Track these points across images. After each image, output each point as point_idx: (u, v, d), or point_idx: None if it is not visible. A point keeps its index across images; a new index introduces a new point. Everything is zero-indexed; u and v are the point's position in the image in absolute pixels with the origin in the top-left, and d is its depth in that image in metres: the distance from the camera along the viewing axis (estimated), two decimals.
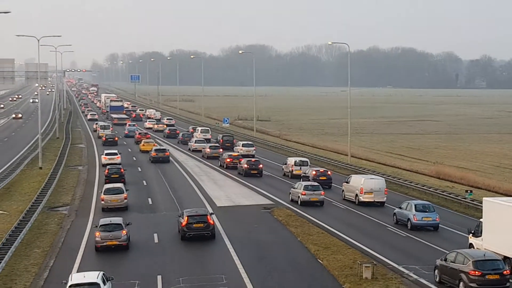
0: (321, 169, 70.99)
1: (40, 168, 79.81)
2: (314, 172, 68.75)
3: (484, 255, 35.60)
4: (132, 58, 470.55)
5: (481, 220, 41.90)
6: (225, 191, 65.94)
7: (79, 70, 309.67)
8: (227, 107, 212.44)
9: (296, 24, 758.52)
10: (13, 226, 48.07)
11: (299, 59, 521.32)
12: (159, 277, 37.16)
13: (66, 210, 57.28)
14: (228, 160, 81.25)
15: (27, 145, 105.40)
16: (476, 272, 34.10)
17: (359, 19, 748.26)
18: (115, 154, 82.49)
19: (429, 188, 66.16)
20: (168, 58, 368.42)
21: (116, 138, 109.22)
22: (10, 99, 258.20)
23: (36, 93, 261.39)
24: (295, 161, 75.51)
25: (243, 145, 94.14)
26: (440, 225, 50.21)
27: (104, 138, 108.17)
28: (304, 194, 59.06)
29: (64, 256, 42.45)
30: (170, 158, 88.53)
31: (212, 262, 40.72)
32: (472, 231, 42.24)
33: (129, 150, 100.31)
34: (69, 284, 32.23)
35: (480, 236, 40.97)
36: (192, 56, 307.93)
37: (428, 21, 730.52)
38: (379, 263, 39.24)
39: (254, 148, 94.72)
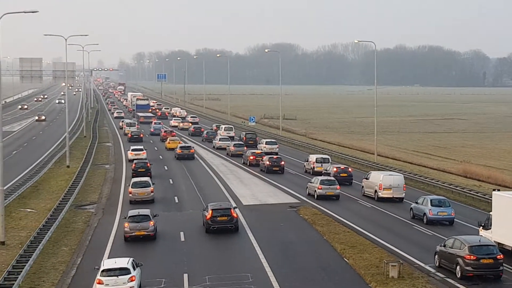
0: (342, 166, 72.58)
1: (68, 166, 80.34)
2: (335, 169, 70.12)
3: (480, 240, 37.86)
4: (158, 57, 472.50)
5: (491, 213, 43.03)
6: (251, 190, 65.97)
7: (106, 69, 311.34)
8: (253, 105, 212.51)
9: (322, 23, 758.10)
10: (41, 224, 48.44)
11: (325, 58, 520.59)
12: (185, 275, 37.29)
13: (93, 208, 57.64)
14: (252, 157, 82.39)
15: (54, 143, 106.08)
16: (472, 257, 36.38)
17: (386, 17, 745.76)
18: (141, 149, 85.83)
19: (456, 186, 65.77)
20: (195, 57, 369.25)
21: (142, 135, 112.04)
22: (35, 99, 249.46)
23: (62, 93, 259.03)
24: (316, 158, 76.73)
25: (267, 143, 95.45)
26: (469, 225, 50.11)
27: (129, 135, 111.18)
28: (320, 189, 60.82)
29: (91, 254, 42.71)
30: (195, 155, 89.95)
31: (238, 261, 40.76)
32: (482, 224, 43.54)
33: (155, 148, 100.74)
34: (101, 269, 34.24)
35: (490, 228, 42.29)
36: (218, 55, 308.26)
37: (455, 19, 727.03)
38: (405, 262, 39.10)
39: (277, 145, 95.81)
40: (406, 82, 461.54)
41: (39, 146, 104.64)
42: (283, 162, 77.77)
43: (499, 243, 40.66)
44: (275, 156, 79.96)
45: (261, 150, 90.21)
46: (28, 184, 67.15)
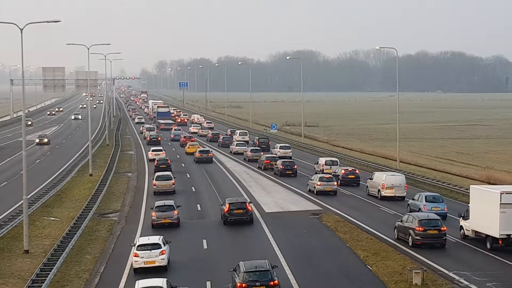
0: (350, 168, 76.31)
1: (91, 175, 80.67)
2: (343, 171, 73.90)
3: (427, 216, 46.88)
4: (180, 65, 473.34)
5: (469, 205, 48.22)
6: (273, 197, 65.95)
7: (128, 78, 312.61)
8: (275, 113, 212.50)
9: (343, 29, 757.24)
10: (64, 233, 48.65)
11: (346, 64, 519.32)
12: (208, 283, 37.34)
13: (116, 216, 57.84)
14: (266, 161, 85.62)
15: (77, 152, 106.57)
16: (420, 228, 44.95)
17: (407, 23, 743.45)
18: (160, 150, 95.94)
19: None
20: (216, 64, 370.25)
21: (159, 138, 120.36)
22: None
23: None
24: (325, 161, 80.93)
25: (281, 147, 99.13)
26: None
27: (148, 138, 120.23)
28: (319, 185, 66.50)
29: (115, 262, 42.86)
30: (214, 159, 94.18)
31: None
32: (462, 215, 48.67)
33: (178, 156, 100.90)
34: (137, 244, 40.62)
35: (468, 218, 47.46)
36: (240, 63, 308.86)
37: (477, 24, 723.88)
38: (429, 269, 38.94)
39: (291, 150, 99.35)
40: (428, 88, 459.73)
41: (62, 154, 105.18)
42: (295, 166, 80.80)
43: (476, 231, 46.30)
44: (288, 161, 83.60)
45: (276, 154, 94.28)
46: (52, 193, 67.50)
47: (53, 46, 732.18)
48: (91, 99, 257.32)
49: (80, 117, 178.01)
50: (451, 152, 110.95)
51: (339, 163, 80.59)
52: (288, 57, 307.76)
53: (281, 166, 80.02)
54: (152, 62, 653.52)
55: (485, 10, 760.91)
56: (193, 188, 71.60)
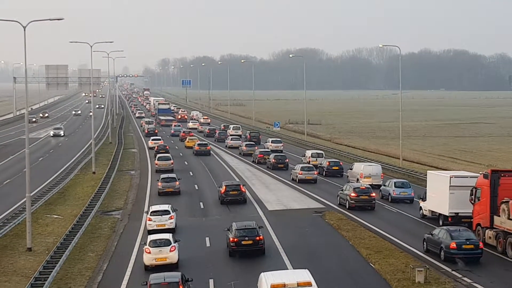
0: (334, 160, 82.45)
1: (94, 172, 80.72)
2: (327, 163, 79.73)
3: (360, 185, 59.70)
4: (183, 63, 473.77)
5: (427, 188, 54.65)
6: (276, 195, 65.93)
7: (131, 76, 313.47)
8: (278, 111, 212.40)
9: (346, 27, 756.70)
10: (67, 230, 48.66)
11: (349, 62, 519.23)
12: (211, 281, 37.36)
13: (119, 214, 57.86)
14: (260, 156, 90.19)
15: (80, 150, 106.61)
16: (354, 194, 57.61)
17: (410, 21, 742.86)
18: (159, 139, 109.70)
19: None
20: (219, 62, 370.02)
21: (156, 131, 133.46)
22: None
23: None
24: (311, 153, 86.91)
25: (272, 141, 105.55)
26: None
27: (146, 131, 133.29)
28: (301, 174, 72.77)
29: (117, 259, 42.90)
30: (211, 152, 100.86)
31: (263, 266, 40.40)
32: (422, 197, 54.98)
33: (181, 154, 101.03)
34: (150, 211, 49.85)
35: (426, 200, 53.87)
36: (242, 61, 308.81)
37: (480, 23, 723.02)
38: (431, 267, 38.91)
39: (282, 144, 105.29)
40: (431, 86, 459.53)
41: (65, 152, 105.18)
42: (287, 160, 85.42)
43: (432, 211, 52.68)
44: (280, 155, 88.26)
45: (268, 148, 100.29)
46: (55, 191, 67.55)
47: (56, 44, 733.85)
48: (87, 101, 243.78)
49: (61, 133, 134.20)
50: (454, 150, 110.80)
51: (324, 156, 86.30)
52: (291, 55, 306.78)
53: (273, 160, 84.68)
54: (155, 60, 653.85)
55: (488, 8, 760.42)
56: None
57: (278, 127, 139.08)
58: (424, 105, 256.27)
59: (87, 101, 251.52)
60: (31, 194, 50.73)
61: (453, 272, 38.71)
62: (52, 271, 38.40)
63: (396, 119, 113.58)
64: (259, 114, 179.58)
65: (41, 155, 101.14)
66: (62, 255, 41.88)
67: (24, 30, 45.96)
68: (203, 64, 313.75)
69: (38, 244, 46.19)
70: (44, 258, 41.57)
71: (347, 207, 57.46)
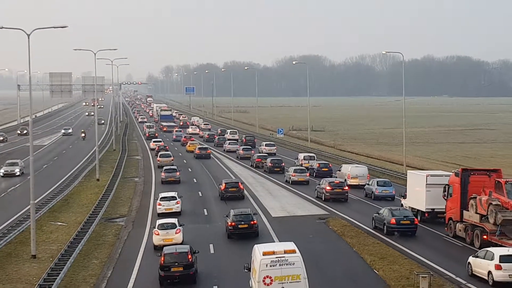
0: (324, 162, 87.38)
1: (98, 179, 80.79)
2: (318, 164, 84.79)
3: (335, 180, 67.32)
4: (186, 70, 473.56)
5: (407, 187, 58.56)
6: (280, 201, 65.94)
7: (134, 83, 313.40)
8: (281, 117, 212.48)
9: (349, 34, 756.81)
10: (71, 237, 48.74)
11: (353, 69, 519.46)
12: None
13: (123, 221, 57.93)
14: (258, 160, 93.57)
15: (84, 157, 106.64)
16: (329, 188, 64.31)
17: (413, 28, 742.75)
18: (159, 141, 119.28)
19: None
20: (222, 69, 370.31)
21: (157, 134, 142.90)
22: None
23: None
24: (304, 156, 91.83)
25: (266, 145, 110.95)
26: None
27: (147, 134, 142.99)
28: (294, 175, 76.80)
29: (122, 266, 42.93)
30: (212, 156, 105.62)
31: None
32: (403, 195, 58.74)
33: (184, 161, 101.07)
34: (159, 197, 59.13)
35: (406, 198, 57.47)
36: (246, 68, 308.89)
37: (483, 29, 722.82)
38: (436, 274, 38.91)
39: (275, 147, 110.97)
40: (434, 92, 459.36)
41: (69, 160, 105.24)
42: (283, 164, 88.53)
43: (412, 208, 55.12)
44: (276, 159, 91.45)
45: (261, 151, 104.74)
46: (59, 198, 67.63)
47: (60, 51, 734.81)
48: (87, 114, 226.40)
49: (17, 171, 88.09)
50: (457, 156, 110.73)
51: (315, 158, 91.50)
52: (294, 62, 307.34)
53: (270, 164, 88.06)
54: (159, 67, 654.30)
55: (491, 14, 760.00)
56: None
57: (281, 133, 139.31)
58: (427, 112, 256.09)
59: (87, 114, 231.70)
60: (35, 202, 50.77)
61: (457, 279, 38.72)
62: (56, 278, 38.43)
63: (400, 126, 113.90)
64: (263, 121, 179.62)
65: (45, 163, 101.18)
66: (66, 262, 41.93)
67: (28, 38, 46.12)
68: (206, 71, 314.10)
69: (43, 251, 46.24)
70: (49, 265, 41.63)
71: (323, 199, 64.82)
